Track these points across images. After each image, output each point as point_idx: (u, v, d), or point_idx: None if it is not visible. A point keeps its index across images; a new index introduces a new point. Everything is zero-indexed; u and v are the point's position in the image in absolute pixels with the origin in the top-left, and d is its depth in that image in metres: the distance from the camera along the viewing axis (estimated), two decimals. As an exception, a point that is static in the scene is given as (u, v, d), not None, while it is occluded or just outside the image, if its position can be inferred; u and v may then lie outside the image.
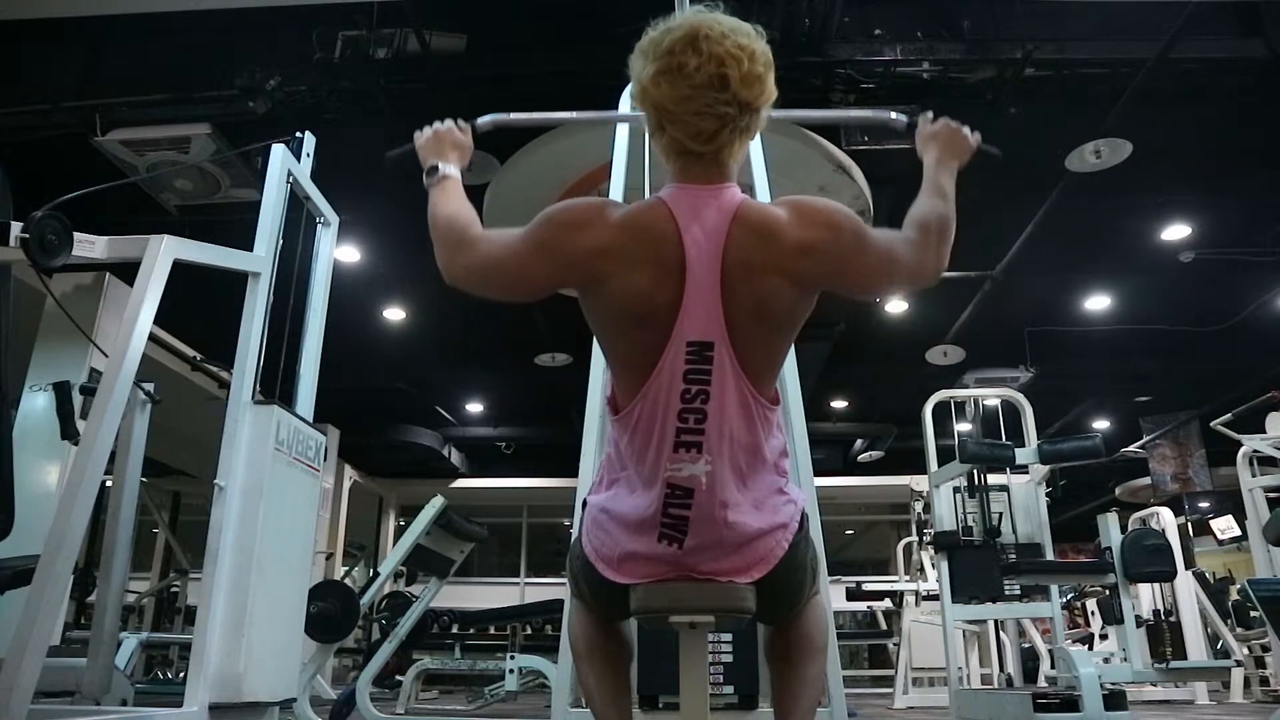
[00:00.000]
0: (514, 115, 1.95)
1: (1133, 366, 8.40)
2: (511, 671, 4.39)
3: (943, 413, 5.76)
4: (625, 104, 2.79)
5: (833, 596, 2.68)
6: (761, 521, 1.39)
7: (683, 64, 1.31)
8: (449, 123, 1.72)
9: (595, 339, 1.52)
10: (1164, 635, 5.78)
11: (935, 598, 5.82)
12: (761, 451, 1.41)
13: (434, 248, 1.50)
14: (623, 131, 2.82)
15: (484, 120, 1.83)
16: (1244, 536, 7.18)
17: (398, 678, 5.68)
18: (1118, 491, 11.50)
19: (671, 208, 1.38)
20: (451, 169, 1.64)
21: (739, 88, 1.33)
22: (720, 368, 1.34)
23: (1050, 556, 5.13)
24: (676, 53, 1.32)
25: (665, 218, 1.37)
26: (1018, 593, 4.95)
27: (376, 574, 4.91)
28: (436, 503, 4.39)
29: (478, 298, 1.52)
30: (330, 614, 3.96)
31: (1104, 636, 7.30)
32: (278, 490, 2.54)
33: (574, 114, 2.10)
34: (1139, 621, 5.40)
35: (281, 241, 2.77)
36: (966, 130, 1.64)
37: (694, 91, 1.32)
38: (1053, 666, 5.61)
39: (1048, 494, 5.24)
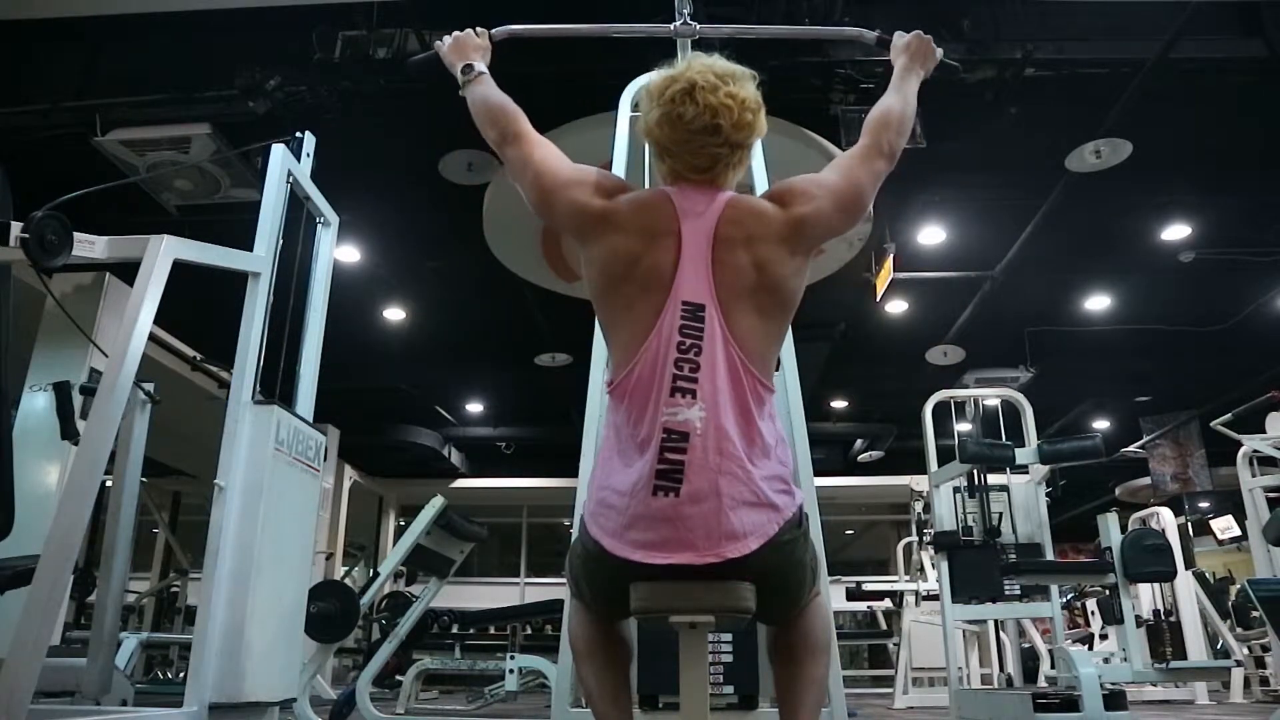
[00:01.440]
0: (527, 26, 2.12)
1: (1133, 366, 8.39)
2: (511, 671, 4.40)
3: (943, 413, 5.76)
4: (626, 102, 2.80)
5: (833, 596, 2.68)
6: (757, 489, 1.41)
7: (681, 113, 1.53)
8: (468, 30, 1.91)
9: (597, 322, 1.64)
10: (1164, 635, 5.78)
11: (935, 598, 5.82)
12: (755, 421, 1.45)
13: (481, 128, 1.74)
14: (623, 131, 2.83)
15: (499, 30, 1.98)
16: (1244, 536, 7.19)
17: (398, 678, 5.68)
18: (1118, 491, 11.51)
19: (672, 196, 1.58)
20: (481, 65, 1.82)
21: (730, 133, 1.55)
22: (711, 328, 1.47)
23: (1050, 556, 5.12)
24: (676, 102, 1.54)
25: (666, 201, 1.57)
26: (1018, 593, 4.94)
27: (376, 574, 4.91)
28: (436, 503, 4.39)
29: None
30: (330, 614, 3.95)
31: (1104, 636, 7.30)
32: (278, 490, 2.54)
33: (588, 25, 2.32)
34: (1139, 621, 5.40)
35: (281, 241, 2.77)
36: (932, 42, 1.90)
37: (690, 136, 1.55)
38: (1053, 666, 5.61)
39: (1048, 494, 5.23)
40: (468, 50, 1.85)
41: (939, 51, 1.92)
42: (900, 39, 1.92)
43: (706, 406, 1.42)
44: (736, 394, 1.45)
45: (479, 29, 1.92)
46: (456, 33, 1.90)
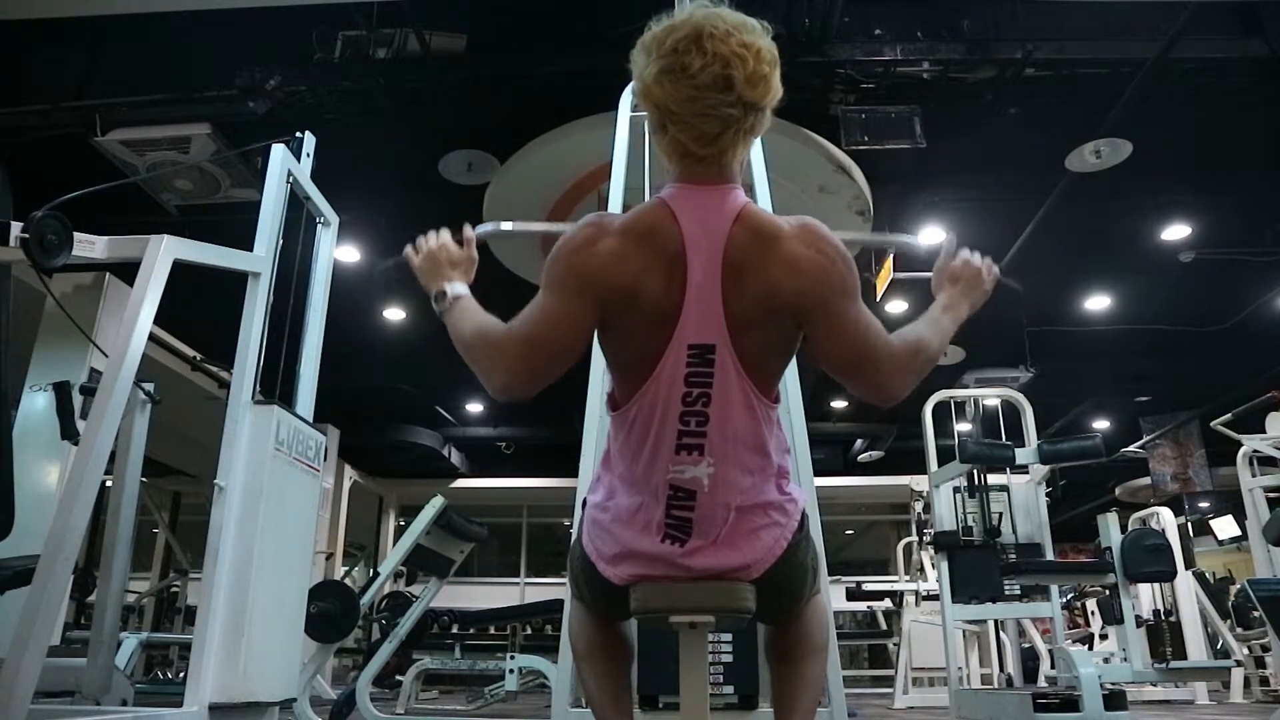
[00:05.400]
0: (507, 225, 1.93)
1: (1133, 366, 8.40)
2: (511, 671, 4.39)
3: (943, 413, 5.76)
4: (626, 102, 2.80)
5: (833, 596, 2.68)
6: (763, 519, 1.39)
7: (686, 64, 1.27)
8: (444, 235, 1.63)
9: (596, 339, 1.48)
10: (1164, 635, 5.78)
11: (935, 598, 5.82)
12: (765, 450, 1.40)
13: (474, 370, 1.42)
14: (623, 132, 2.82)
15: (482, 230, 1.73)
16: (1244, 536, 7.18)
17: (398, 678, 5.68)
18: (1118, 491, 11.51)
19: (673, 207, 1.35)
20: (458, 288, 1.54)
21: (744, 88, 1.28)
22: (723, 370, 1.32)
23: (1050, 556, 5.12)
24: (680, 52, 1.27)
25: (667, 218, 1.34)
26: (1018, 593, 4.95)
27: (376, 574, 4.91)
28: (436, 503, 4.38)
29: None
30: (330, 614, 3.95)
31: (1104, 636, 7.30)
32: (278, 490, 2.54)
33: (565, 225, 1.98)
34: (1139, 621, 5.40)
35: (281, 241, 2.77)
36: (987, 267, 1.63)
37: (698, 93, 1.28)
38: (1053, 666, 5.61)
39: (1048, 494, 5.23)
40: (442, 268, 1.58)
41: (994, 272, 1.62)
42: (946, 260, 1.62)
43: (715, 460, 1.34)
44: (751, 430, 1.36)
45: (459, 234, 1.64)
46: (431, 238, 1.62)
